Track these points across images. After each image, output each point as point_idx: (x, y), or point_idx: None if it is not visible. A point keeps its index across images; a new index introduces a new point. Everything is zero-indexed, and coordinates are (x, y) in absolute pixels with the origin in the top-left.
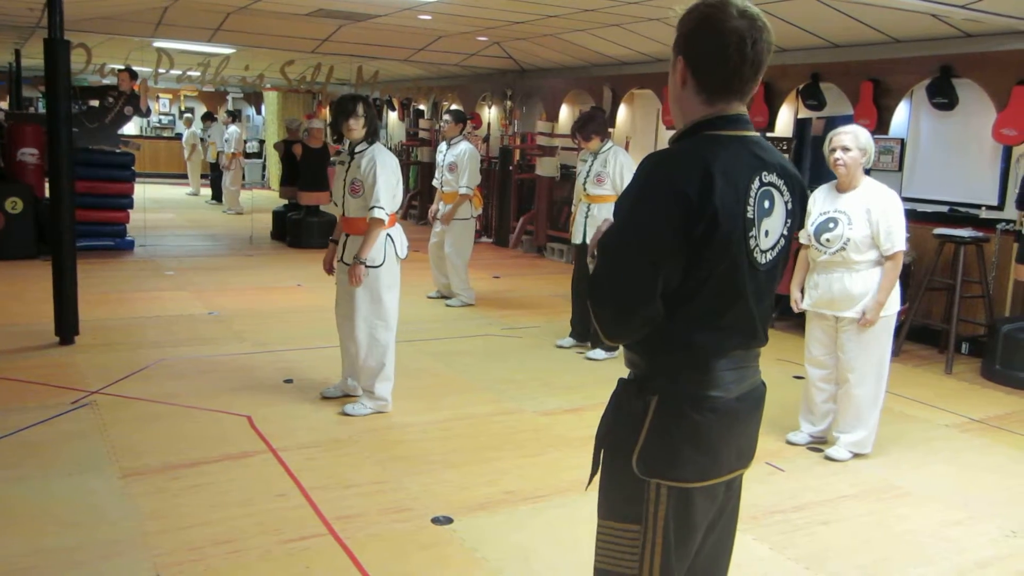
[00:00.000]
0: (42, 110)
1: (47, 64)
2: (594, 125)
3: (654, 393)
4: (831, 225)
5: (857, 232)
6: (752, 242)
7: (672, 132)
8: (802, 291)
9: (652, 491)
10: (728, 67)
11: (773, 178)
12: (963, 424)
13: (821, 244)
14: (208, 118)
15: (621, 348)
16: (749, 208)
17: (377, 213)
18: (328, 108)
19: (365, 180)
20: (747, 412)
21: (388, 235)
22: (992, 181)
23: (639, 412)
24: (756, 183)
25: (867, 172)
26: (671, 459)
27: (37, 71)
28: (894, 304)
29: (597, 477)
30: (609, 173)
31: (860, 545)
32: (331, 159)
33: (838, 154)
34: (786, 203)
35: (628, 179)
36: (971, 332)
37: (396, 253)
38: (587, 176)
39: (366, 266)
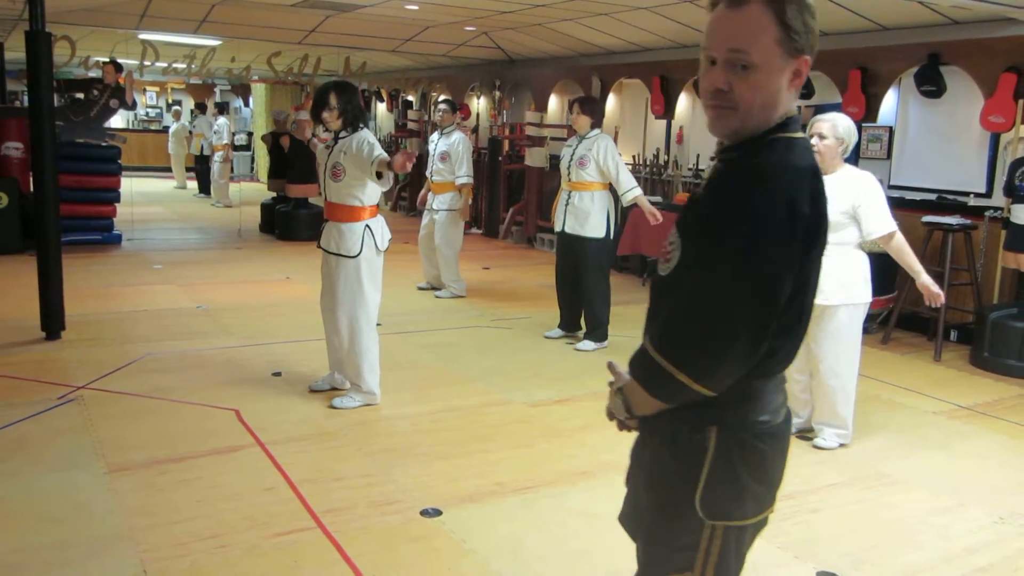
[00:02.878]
0: (27, 103)
1: (29, 57)
2: (596, 107)
3: (712, 423)
4: None
5: (833, 213)
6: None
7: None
8: None
9: (707, 532)
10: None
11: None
12: (951, 411)
13: None
14: (200, 109)
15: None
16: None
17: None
18: None
19: (353, 158)
20: (789, 435)
21: (367, 226)
22: (980, 168)
23: (698, 447)
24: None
25: (856, 160)
26: (738, 496)
27: (21, 64)
28: (864, 294)
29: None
30: (592, 157)
31: (849, 533)
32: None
33: (814, 140)
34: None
35: (611, 161)
36: (959, 319)
37: (376, 244)
38: (571, 160)
39: (345, 256)
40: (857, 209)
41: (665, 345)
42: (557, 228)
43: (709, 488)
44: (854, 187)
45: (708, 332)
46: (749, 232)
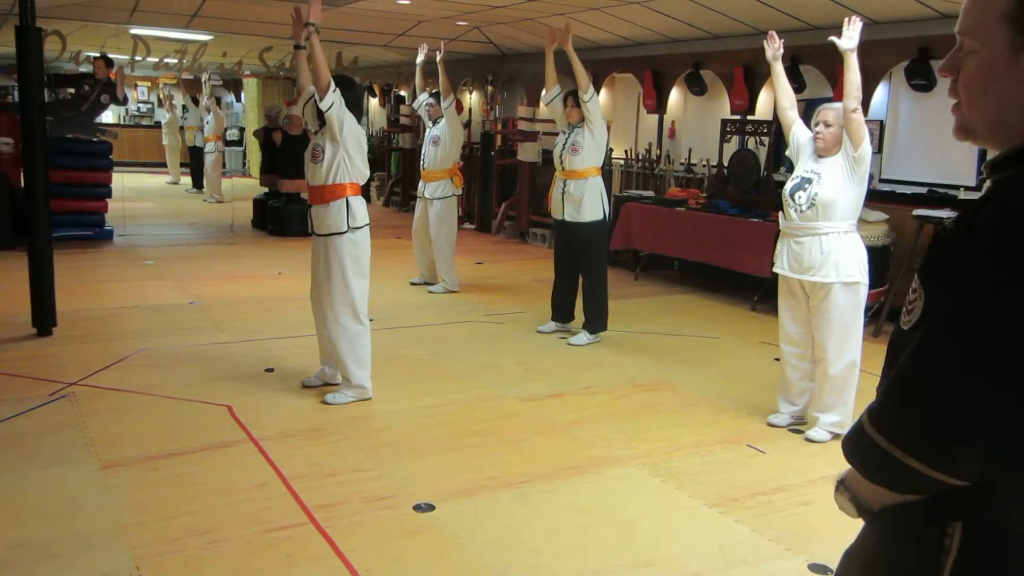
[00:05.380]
0: (17, 99)
1: (19, 52)
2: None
3: (956, 519)
4: (805, 185)
5: (826, 190)
6: None
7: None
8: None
9: None
10: None
11: None
12: None
13: (794, 201)
14: (193, 102)
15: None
16: None
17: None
18: None
19: (327, 131)
20: None
21: (348, 202)
22: (970, 162)
23: (932, 549)
24: None
25: None
26: None
27: (11, 59)
28: (860, 274)
29: None
30: (583, 143)
31: (840, 526)
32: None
33: (819, 128)
34: None
35: (600, 128)
36: None
37: (349, 222)
38: (563, 147)
39: (336, 234)
40: (843, 147)
41: (883, 419)
42: (557, 217)
43: None
44: (840, 151)
45: (938, 404)
46: (990, 289)
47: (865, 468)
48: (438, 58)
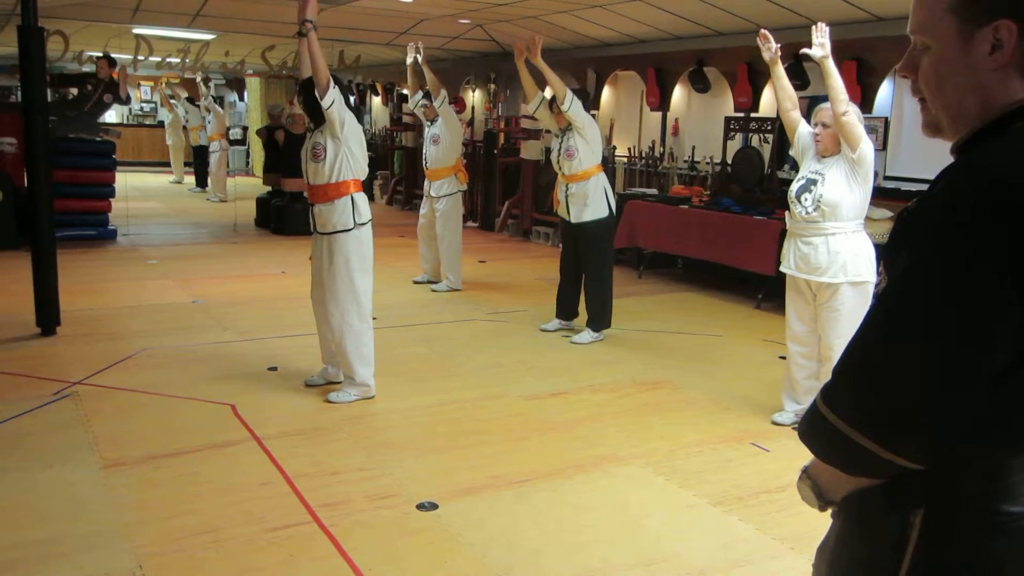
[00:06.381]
0: (20, 99)
1: (22, 52)
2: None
3: (918, 505)
4: (810, 187)
5: (830, 191)
6: None
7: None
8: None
9: None
10: None
11: None
12: None
13: (800, 203)
14: (190, 102)
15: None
16: None
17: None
18: None
19: (326, 128)
20: None
21: (352, 198)
22: None
23: (894, 534)
24: None
25: None
26: None
27: (14, 59)
28: (869, 273)
29: None
30: (577, 147)
31: None
32: None
33: (817, 129)
34: None
35: (589, 129)
36: None
37: (356, 219)
38: (559, 152)
39: (342, 232)
40: (842, 148)
41: (833, 396)
42: (564, 217)
43: None
44: (840, 152)
45: (889, 377)
46: (940, 248)
47: (818, 448)
48: (420, 59)
